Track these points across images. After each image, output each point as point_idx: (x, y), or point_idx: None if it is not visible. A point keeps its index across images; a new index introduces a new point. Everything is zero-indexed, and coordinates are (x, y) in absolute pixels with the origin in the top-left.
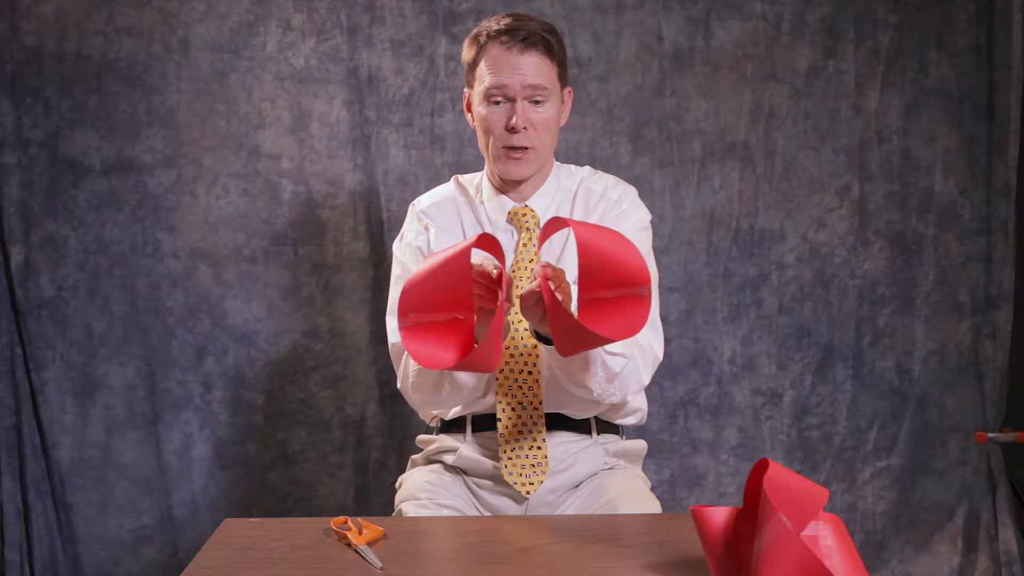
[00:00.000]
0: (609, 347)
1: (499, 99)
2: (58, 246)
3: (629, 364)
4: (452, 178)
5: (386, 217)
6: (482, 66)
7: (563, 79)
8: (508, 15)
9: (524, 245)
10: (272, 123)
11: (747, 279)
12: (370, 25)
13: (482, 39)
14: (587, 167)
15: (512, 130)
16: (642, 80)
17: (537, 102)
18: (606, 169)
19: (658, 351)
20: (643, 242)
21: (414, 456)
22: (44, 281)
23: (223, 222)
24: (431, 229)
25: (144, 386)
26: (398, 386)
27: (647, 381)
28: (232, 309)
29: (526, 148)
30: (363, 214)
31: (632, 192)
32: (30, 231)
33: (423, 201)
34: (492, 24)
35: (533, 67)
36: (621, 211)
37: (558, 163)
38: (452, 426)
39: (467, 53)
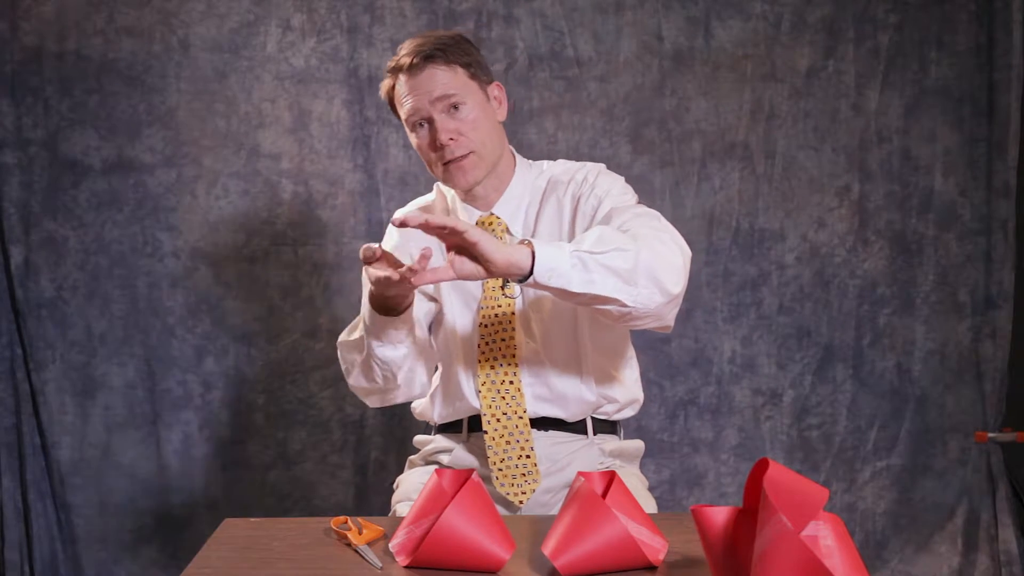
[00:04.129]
0: (597, 247)
1: (419, 122)
2: (58, 246)
3: (640, 253)
4: (435, 185)
5: (386, 217)
6: (396, 100)
7: (478, 78)
8: (407, 42)
9: None
10: (272, 123)
11: (747, 279)
12: (370, 25)
13: (389, 77)
14: (560, 160)
15: (441, 146)
16: (642, 80)
17: (456, 108)
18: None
19: (679, 238)
20: (631, 197)
21: (412, 457)
22: (44, 281)
23: (223, 222)
24: (394, 235)
25: (144, 386)
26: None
27: (681, 262)
28: (232, 309)
29: (465, 155)
30: (363, 214)
31: (600, 166)
32: (30, 231)
33: (404, 208)
34: (393, 59)
35: (435, 80)
36: (604, 191)
37: (527, 161)
38: (448, 427)
39: (384, 96)
